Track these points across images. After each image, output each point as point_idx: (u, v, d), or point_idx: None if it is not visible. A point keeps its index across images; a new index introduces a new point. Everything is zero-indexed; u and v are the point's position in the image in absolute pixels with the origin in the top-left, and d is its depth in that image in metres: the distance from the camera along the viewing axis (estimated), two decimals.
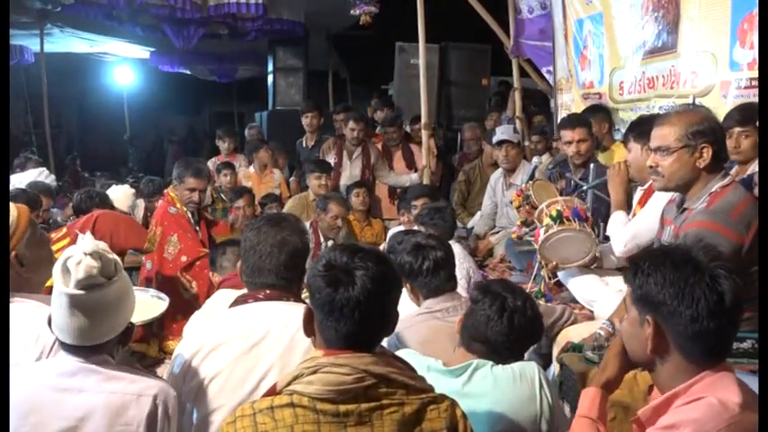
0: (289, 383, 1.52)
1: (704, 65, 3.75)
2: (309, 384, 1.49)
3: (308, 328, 1.61)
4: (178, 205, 4.23)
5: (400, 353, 1.99)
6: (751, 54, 3.36)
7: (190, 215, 4.28)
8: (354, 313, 1.50)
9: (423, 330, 2.53)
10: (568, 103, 5.50)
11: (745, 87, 3.46)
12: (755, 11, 3.31)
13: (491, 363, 2.04)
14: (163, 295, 2.74)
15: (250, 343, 1.97)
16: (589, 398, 1.68)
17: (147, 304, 2.64)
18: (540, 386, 2.03)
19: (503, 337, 2.07)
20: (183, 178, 4.19)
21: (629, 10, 4.53)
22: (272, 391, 1.55)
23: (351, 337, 1.52)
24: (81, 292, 1.76)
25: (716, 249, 1.59)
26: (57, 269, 1.79)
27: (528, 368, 2.07)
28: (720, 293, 1.45)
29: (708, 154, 2.39)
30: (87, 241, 1.79)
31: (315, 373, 1.49)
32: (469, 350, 2.11)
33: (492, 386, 2.00)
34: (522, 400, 2.00)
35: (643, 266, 1.53)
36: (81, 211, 4.60)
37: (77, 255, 1.76)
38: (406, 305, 3.25)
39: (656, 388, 1.59)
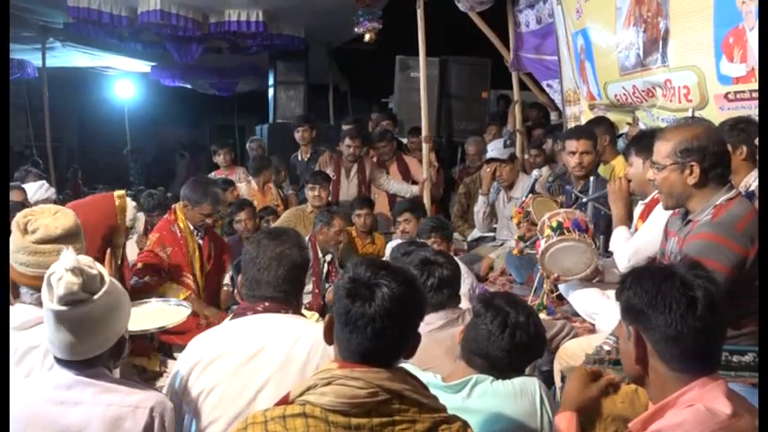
0: (302, 393, 1.52)
1: (693, 79, 3.77)
2: (323, 396, 1.49)
3: (328, 336, 1.61)
4: (181, 225, 4.22)
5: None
6: (743, 67, 3.37)
7: (195, 235, 4.28)
8: (367, 329, 1.50)
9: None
10: (577, 114, 5.51)
11: (739, 100, 3.47)
12: (741, 25, 3.34)
13: (491, 378, 2.03)
14: (185, 303, 2.76)
15: (248, 355, 1.98)
16: (566, 420, 1.80)
17: (171, 312, 2.67)
18: (542, 402, 2.01)
19: (503, 353, 2.05)
20: (201, 204, 4.19)
21: (612, 25, 4.56)
22: (285, 400, 1.55)
23: (362, 352, 1.52)
24: (64, 308, 1.75)
25: (694, 260, 1.65)
26: (43, 284, 1.78)
27: (529, 383, 2.06)
28: (692, 297, 1.50)
29: (696, 171, 2.39)
30: (69, 257, 1.77)
31: (329, 384, 1.49)
32: (470, 364, 2.10)
33: (492, 402, 1.98)
34: (522, 415, 1.99)
35: (626, 282, 1.60)
36: None
37: (59, 271, 1.75)
38: None
39: (651, 402, 1.61)
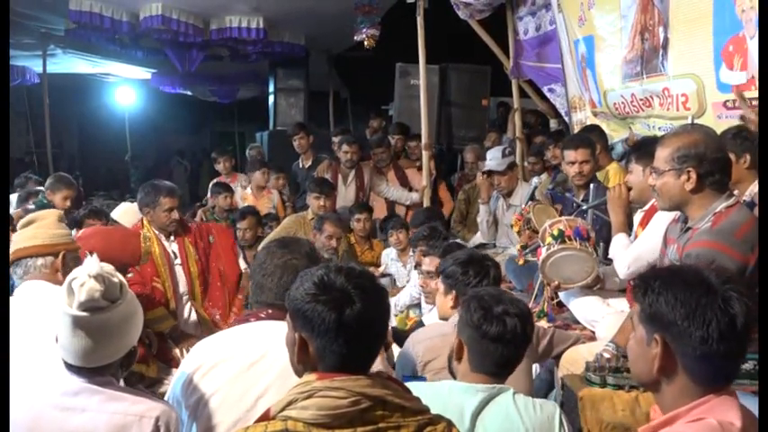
0: (283, 409, 1.47)
1: (691, 87, 3.79)
2: (304, 410, 1.44)
3: (303, 357, 1.54)
4: (147, 233, 3.97)
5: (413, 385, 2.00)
6: (743, 75, 3.39)
7: (164, 240, 4.03)
8: (348, 335, 1.47)
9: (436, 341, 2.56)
10: (583, 120, 5.51)
11: (738, 108, 3.48)
12: (741, 33, 3.35)
13: (512, 389, 2.04)
14: None
15: (249, 361, 1.98)
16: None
17: None
18: (561, 423, 2.02)
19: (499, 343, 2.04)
20: (158, 201, 3.95)
21: (618, 33, 4.58)
22: (266, 416, 1.51)
23: (355, 359, 1.49)
24: (84, 313, 1.77)
25: (727, 271, 1.56)
26: (63, 289, 1.80)
27: (549, 403, 2.09)
28: (732, 316, 1.43)
29: (693, 177, 2.40)
30: (93, 263, 1.80)
31: (310, 397, 1.45)
32: (486, 373, 2.09)
33: (512, 411, 1.99)
34: (541, 428, 1.99)
35: (653, 285, 1.50)
36: (79, 226, 4.60)
37: (82, 276, 1.77)
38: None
39: (659, 408, 1.56)
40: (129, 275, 3.78)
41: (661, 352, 1.48)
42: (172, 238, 4.04)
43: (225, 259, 4.20)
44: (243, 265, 4.29)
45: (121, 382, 2.01)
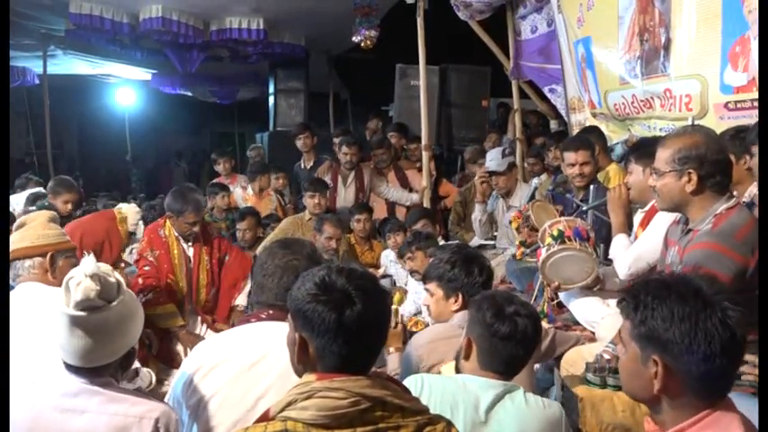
0: (282, 409, 1.48)
1: (696, 88, 3.78)
2: (304, 410, 1.45)
3: (303, 357, 1.54)
4: (167, 232, 4.17)
5: (413, 378, 2.02)
6: (745, 77, 3.38)
7: (183, 242, 4.21)
8: (348, 335, 1.47)
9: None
10: (582, 121, 5.51)
11: (739, 109, 3.48)
12: (747, 34, 3.35)
13: (521, 387, 2.07)
14: None
15: (249, 362, 1.98)
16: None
17: None
18: (566, 425, 2.05)
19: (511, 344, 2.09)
20: (184, 213, 4.08)
21: (614, 34, 4.58)
22: (266, 417, 1.51)
23: (355, 360, 1.50)
24: (81, 313, 1.78)
25: (716, 279, 1.52)
26: (61, 288, 1.81)
27: (556, 404, 2.13)
28: (732, 329, 1.38)
29: (693, 179, 2.41)
30: (89, 263, 1.80)
31: (309, 398, 1.46)
32: (494, 371, 2.11)
33: (524, 409, 2.02)
34: (550, 425, 2.02)
35: (645, 300, 1.43)
36: None
37: (78, 276, 1.78)
38: None
39: (654, 422, 1.52)
40: (146, 268, 4.00)
41: (663, 373, 1.42)
42: (190, 243, 4.22)
43: (227, 284, 4.34)
44: (241, 300, 4.33)
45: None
